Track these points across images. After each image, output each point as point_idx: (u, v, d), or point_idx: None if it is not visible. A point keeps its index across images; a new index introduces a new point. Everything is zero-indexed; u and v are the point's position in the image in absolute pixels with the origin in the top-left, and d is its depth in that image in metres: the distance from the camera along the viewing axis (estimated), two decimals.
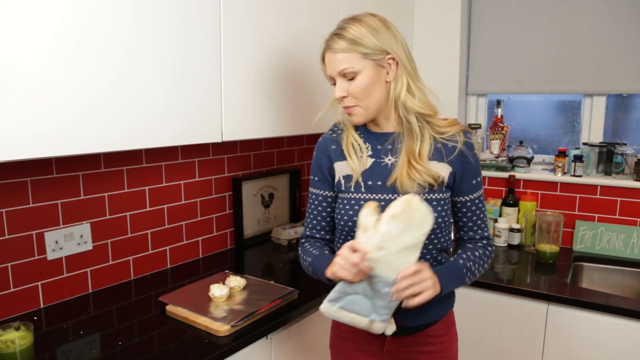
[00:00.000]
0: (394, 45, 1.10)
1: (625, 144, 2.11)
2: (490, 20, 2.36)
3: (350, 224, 1.15)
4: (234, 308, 1.40)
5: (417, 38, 2.43)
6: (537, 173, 2.26)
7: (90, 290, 1.58)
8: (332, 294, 1.06)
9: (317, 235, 1.26)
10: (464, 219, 1.20)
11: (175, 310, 1.39)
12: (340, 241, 1.21)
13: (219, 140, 1.48)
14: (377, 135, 1.19)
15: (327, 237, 1.27)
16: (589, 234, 2.12)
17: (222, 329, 1.28)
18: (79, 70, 1.11)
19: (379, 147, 1.17)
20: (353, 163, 1.17)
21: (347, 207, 1.16)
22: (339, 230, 1.21)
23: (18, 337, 1.12)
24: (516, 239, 2.18)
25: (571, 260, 2.03)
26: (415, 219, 0.99)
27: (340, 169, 1.20)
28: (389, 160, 1.15)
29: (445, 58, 2.38)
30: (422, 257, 1.15)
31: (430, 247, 1.15)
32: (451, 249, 1.23)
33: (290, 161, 2.36)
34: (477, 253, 1.17)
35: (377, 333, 1.07)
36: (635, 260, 2.01)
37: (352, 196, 1.16)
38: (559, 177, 2.18)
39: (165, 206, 1.79)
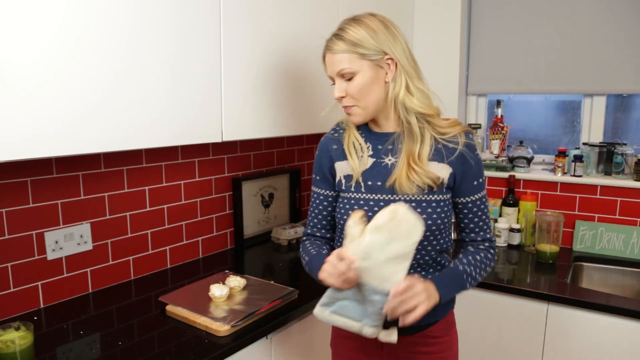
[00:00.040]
0: (393, 45, 1.10)
1: (625, 144, 2.11)
2: (490, 20, 2.36)
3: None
4: (234, 308, 1.40)
5: (417, 38, 2.43)
6: (537, 173, 2.26)
7: (90, 290, 1.58)
8: (324, 298, 1.08)
9: (318, 234, 1.28)
10: (466, 221, 1.19)
11: (175, 310, 1.39)
12: (341, 240, 1.21)
13: (219, 140, 1.48)
14: (377, 135, 1.19)
15: (328, 235, 1.28)
16: (589, 234, 2.12)
17: (222, 329, 1.28)
18: (79, 70, 1.11)
19: (380, 147, 1.17)
20: (353, 163, 1.17)
21: (347, 206, 1.17)
22: (339, 230, 1.22)
23: (18, 337, 1.12)
24: (516, 239, 2.18)
25: (571, 260, 2.03)
26: (401, 230, 0.98)
27: (341, 168, 1.20)
28: (389, 160, 1.15)
29: (445, 58, 2.38)
30: (422, 258, 1.15)
31: (429, 248, 1.14)
32: (451, 250, 1.23)
33: (290, 161, 2.36)
34: (478, 257, 1.16)
35: (371, 337, 1.07)
36: (635, 260, 2.01)
37: (352, 196, 1.17)
38: (559, 177, 2.18)
39: (165, 206, 1.79)
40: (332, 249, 1.25)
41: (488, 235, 1.20)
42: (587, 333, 1.66)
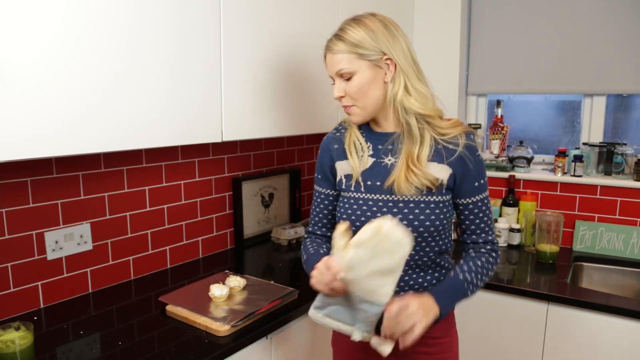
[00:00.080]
0: (392, 46, 1.09)
1: (625, 144, 2.11)
2: (490, 20, 2.36)
3: (348, 222, 1.15)
4: (234, 308, 1.40)
5: (417, 38, 2.43)
6: (537, 173, 2.26)
7: (90, 290, 1.58)
8: (316, 301, 1.09)
9: (319, 232, 1.29)
10: (467, 222, 1.18)
11: (175, 310, 1.39)
12: None
13: (219, 140, 1.48)
14: (378, 134, 1.19)
15: (329, 234, 1.29)
16: (589, 234, 2.12)
17: (222, 329, 1.28)
18: (79, 70, 1.11)
19: (380, 146, 1.17)
20: (353, 162, 1.17)
21: (347, 206, 1.17)
22: None
23: (18, 337, 1.12)
24: (516, 239, 2.18)
25: (571, 260, 2.03)
26: (384, 247, 0.96)
27: (342, 168, 1.21)
28: (389, 160, 1.15)
29: (445, 58, 2.38)
30: (420, 259, 1.15)
31: (427, 249, 1.14)
32: (451, 251, 1.23)
33: (290, 161, 2.36)
34: (479, 262, 1.15)
35: (365, 341, 1.07)
36: (635, 260, 2.01)
37: (352, 195, 1.17)
38: (559, 177, 2.18)
39: (165, 206, 1.79)
40: (331, 247, 1.26)
41: (490, 237, 1.19)
42: (587, 333, 1.66)
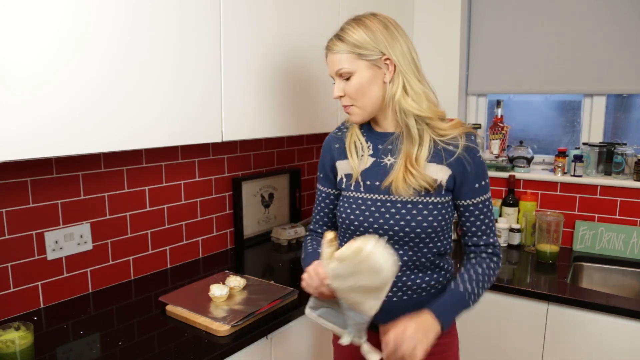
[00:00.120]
0: (391, 46, 1.09)
1: (625, 144, 2.11)
2: (490, 20, 2.36)
3: (347, 222, 1.17)
4: (234, 308, 1.40)
5: (417, 38, 2.43)
6: (537, 173, 2.26)
7: (90, 290, 1.58)
8: (310, 302, 1.13)
9: (319, 231, 1.31)
10: (467, 224, 1.17)
11: (175, 310, 1.39)
12: (341, 236, 1.22)
13: (219, 140, 1.48)
14: (378, 134, 1.19)
15: None
16: (589, 234, 2.12)
17: (222, 329, 1.28)
18: (79, 70, 1.11)
19: (380, 146, 1.17)
20: (353, 162, 1.17)
21: (346, 205, 1.17)
22: (339, 227, 1.22)
23: (18, 337, 1.12)
24: (516, 239, 2.18)
25: (571, 260, 2.03)
26: (363, 268, 0.95)
27: (342, 167, 1.21)
28: (388, 160, 1.15)
29: (445, 58, 2.38)
30: (418, 260, 1.14)
31: (425, 250, 1.13)
32: (451, 252, 1.22)
33: (290, 161, 2.36)
34: (480, 269, 1.14)
35: (356, 345, 1.08)
36: (635, 260, 2.01)
37: (352, 195, 1.17)
38: (559, 177, 2.18)
39: (165, 206, 1.79)
40: None
41: (491, 240, 1.17)
42: (587, 333, 1.66)
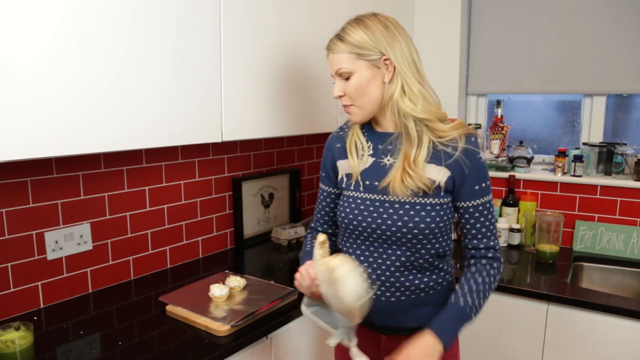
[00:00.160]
0: (390, 46, 1.09)
1: (625, 144, 2.11)
2: (490, 20, 2.36)
3: (346, 221, 1.17)
4: (234, 308, 1.40)
5: (417, 38, 2.43)
6: (537, 173, 2.26)
7: (90, 290, 1.58)
8: (305, 299, 1.14)
9: (320, 229, 1.32)
10: (467, 226, 1.16)
11: (175, 310, 1.39)
12: (342, 235, 1.22)
13: (219, 140, 1.48)
14: (379, 134, 1.19)
15: (330, 230, 1.32)
16: (589, 234, 2.12)
17: (222, 329, 1.28)
18: (79, 70, 1.11)
19: (380, 146, 1.17)
20: (353, 162, 1.18)
21: (346, 204, 1.18)
22: (339, 226, 1.22)
23: (18, 337, 1.12)
24: (516, 239, 2.18)
25: (571, 260, 2.03)
26: (338, 287, 0.96)
27: (343, 167, 1.22)
28: (388, 160, 1.15)
29: (445, 58, 2.38)
30: (416, 261, 1.13)
31: (423, 252, 1.13)
32: (450, 253, 1.21)
33: (290, 161, 2.36)
34: (479, 279, 1.12)
35: (345, 346, 1.10)
36: (635, 260, 2.01)
37: (352, 194, 1.17)
38: (559, 177, 2.18)
39: (165, 206, 1.79)
40: (333, 244, 1.28)
41: (492, 243, 1.15)
42: (587, 333, 1.66)
